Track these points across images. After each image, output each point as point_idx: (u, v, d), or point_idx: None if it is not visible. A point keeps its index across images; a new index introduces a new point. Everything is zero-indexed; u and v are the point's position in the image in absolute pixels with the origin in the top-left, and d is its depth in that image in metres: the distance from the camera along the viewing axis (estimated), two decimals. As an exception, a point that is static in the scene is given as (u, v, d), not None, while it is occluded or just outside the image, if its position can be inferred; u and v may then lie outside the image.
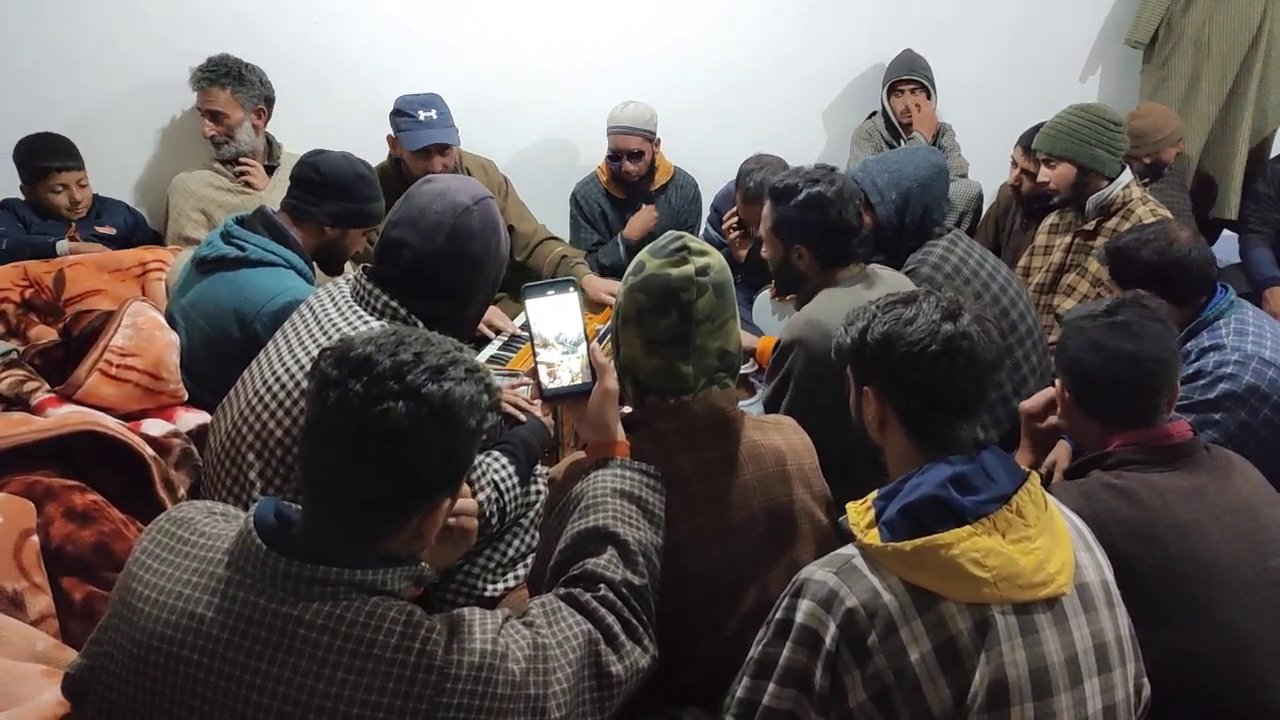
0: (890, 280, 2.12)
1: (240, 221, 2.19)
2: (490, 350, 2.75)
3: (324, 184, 2.19)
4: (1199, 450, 1.51)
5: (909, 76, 3.63)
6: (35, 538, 1.50)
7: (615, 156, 3.35)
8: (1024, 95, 3.86)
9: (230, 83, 3.03)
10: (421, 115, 2.91)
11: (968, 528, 1.16)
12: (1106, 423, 1.54)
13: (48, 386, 1.89)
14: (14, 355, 2.02)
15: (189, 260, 2.23)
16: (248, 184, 3.10)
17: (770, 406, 2.07)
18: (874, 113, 3.81)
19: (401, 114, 2.92)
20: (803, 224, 2.05)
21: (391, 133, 2.98)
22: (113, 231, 3.04)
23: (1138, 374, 1.51)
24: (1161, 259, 2.04)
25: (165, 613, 1.02)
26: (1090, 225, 2.76)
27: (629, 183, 3.41)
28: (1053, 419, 1.69)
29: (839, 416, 1.63)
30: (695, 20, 3.67)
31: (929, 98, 3.64)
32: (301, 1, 3.26)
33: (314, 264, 2.26)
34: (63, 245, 2.84)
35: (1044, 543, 1.19)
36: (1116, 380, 1.52)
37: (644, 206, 3.42)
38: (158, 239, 3.16)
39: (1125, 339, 1.51)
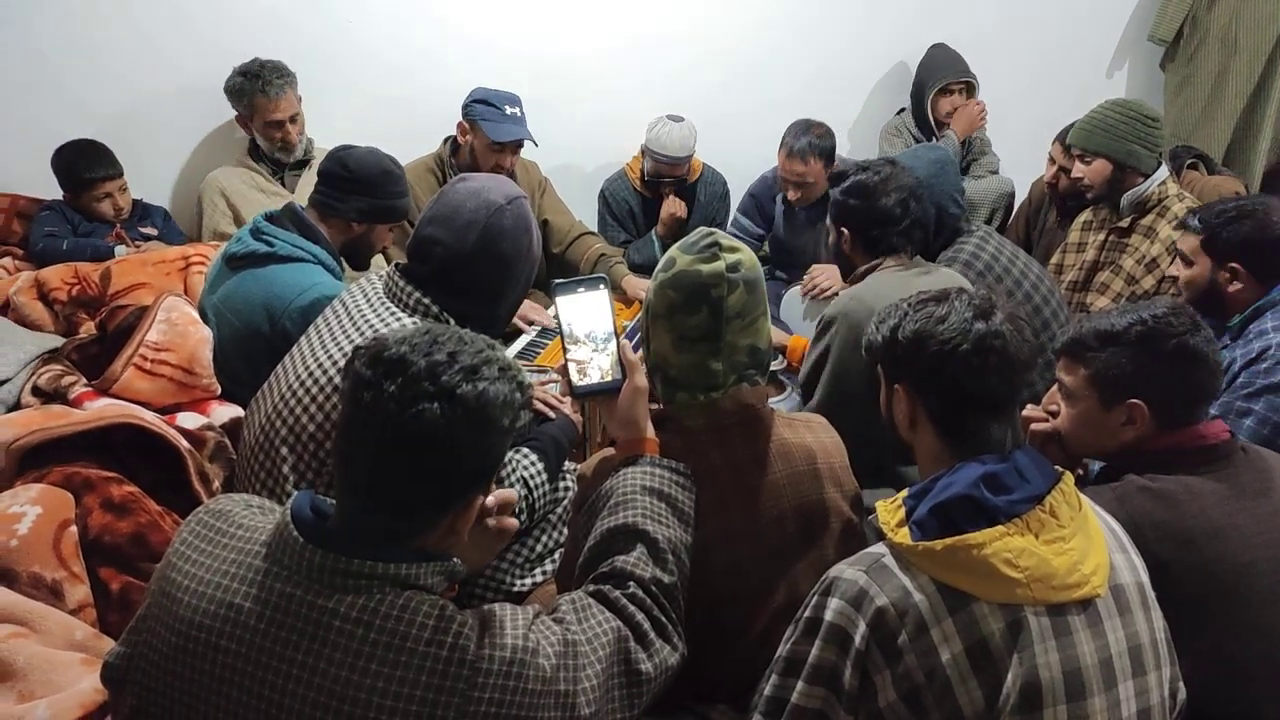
0: (945, 274, 2.12)
1: (269, 218, 2.21)
2: (519, 345, 2.76)
3: (351, 180, 2.19)
4: (1236, 451, 1.49)
5: (965, 78, 3.57)
6: (74, 528, 1.53)
7: (655, 179, 3.34)
8: (1049, 92, 3.83)
9: (292, 82, 3.04)
10: (507, 110, 2.97)
11: (1000, 527, 1.15)
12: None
13: (84, 381, 1.92)
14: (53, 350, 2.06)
15: (219, 257, 2.26)
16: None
17: (808, 380, 2.08)
18: (902, 109, 3.78)
19: (487, 104, 2.96)
20: (846, 208, 2.15)
21: (463, 120, 3.00)
22: (155, 232, 3.08)
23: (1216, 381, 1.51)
24: (1263, 234, 2.03)
25: (204, 603, 1.04)
26: (1125, 222, 2.73)
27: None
28: (1042, 426, 1.62)
29: (874, 392, 1.62)
30: (723, 16, 3.66)
31: (972, 96, 3.61)
32: (333, 1, 3.28)
33: (342, 260, 2.28)
34: (121, 250, 2.88)
35: (1078, 543, 1.18)
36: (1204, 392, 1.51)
37: (669, 196, 3.40)
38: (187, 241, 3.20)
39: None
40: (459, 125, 3.03)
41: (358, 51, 3.35)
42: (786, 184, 3.14)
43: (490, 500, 1.18)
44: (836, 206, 2.19)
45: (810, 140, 3.06)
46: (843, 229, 2.18)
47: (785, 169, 3.11)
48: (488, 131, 2.94)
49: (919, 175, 2.33)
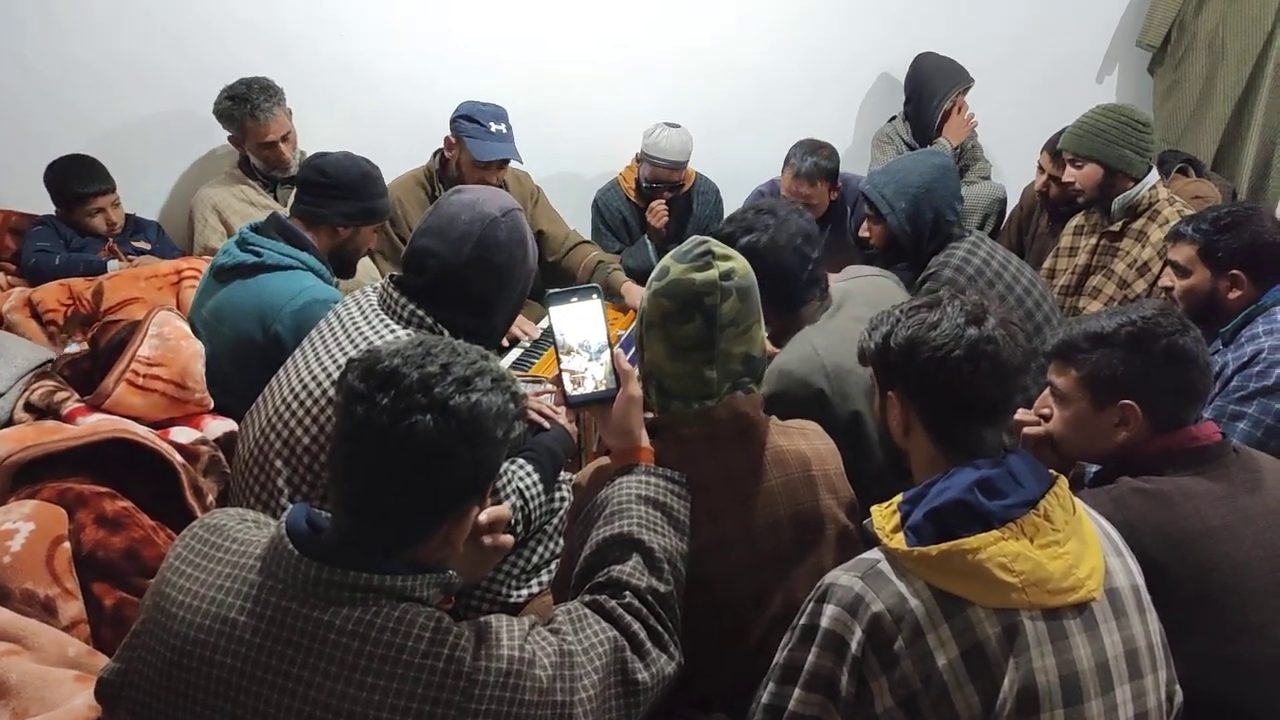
0: (862, 294, 2.03)
1: (255, 229, 2.22)
2: (514, 356, 2.76)
3: (332, 185, 2.21)
4: (1228, 452, 1.49)
5: (969, 82, 3.55)
6: (67, 544, 1.52)
7: (653, 185, 3.35)
8: (1039, 98, 3.84)
9: (280, 100, 3.04)
10: (493, 127, 2.95)
11: (994, 532, 1.15)
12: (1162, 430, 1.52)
13: (77, 396, 1.92)
14: (46, 366, 2.05)
15: (207, 271, 2.27)
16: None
17: None
18: (894, 116, 3.79)
19: (472, 121, 2.94)
20: None
21: (450, 135, 2.99)
22: (148, 246, 3.07)
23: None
24: (1261, 240, 2.04)
25: (199, 617, 1.04)
26: (1116, 227, 2.74)
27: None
28: (1034, 429, 1.61)
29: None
30: (717, 26, 3.67)
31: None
32: (329, 13, 3.28)
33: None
34: (114, 265, 2.88)
35: (1073, 547, 1.18)
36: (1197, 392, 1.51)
37: (652, 204, 3.39)
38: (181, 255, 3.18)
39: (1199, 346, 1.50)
40: (446, 139, 3.03)
41: (352, 64, 3.35)
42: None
43: (483, 518, 1.18)
44: None
45: (816, 161, 3.09)
46: None
47: (791, 190, 3.13)
48: (472, 149, 2.93)
49: (917, 181, 2.33)
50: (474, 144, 2.93)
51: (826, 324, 1.94)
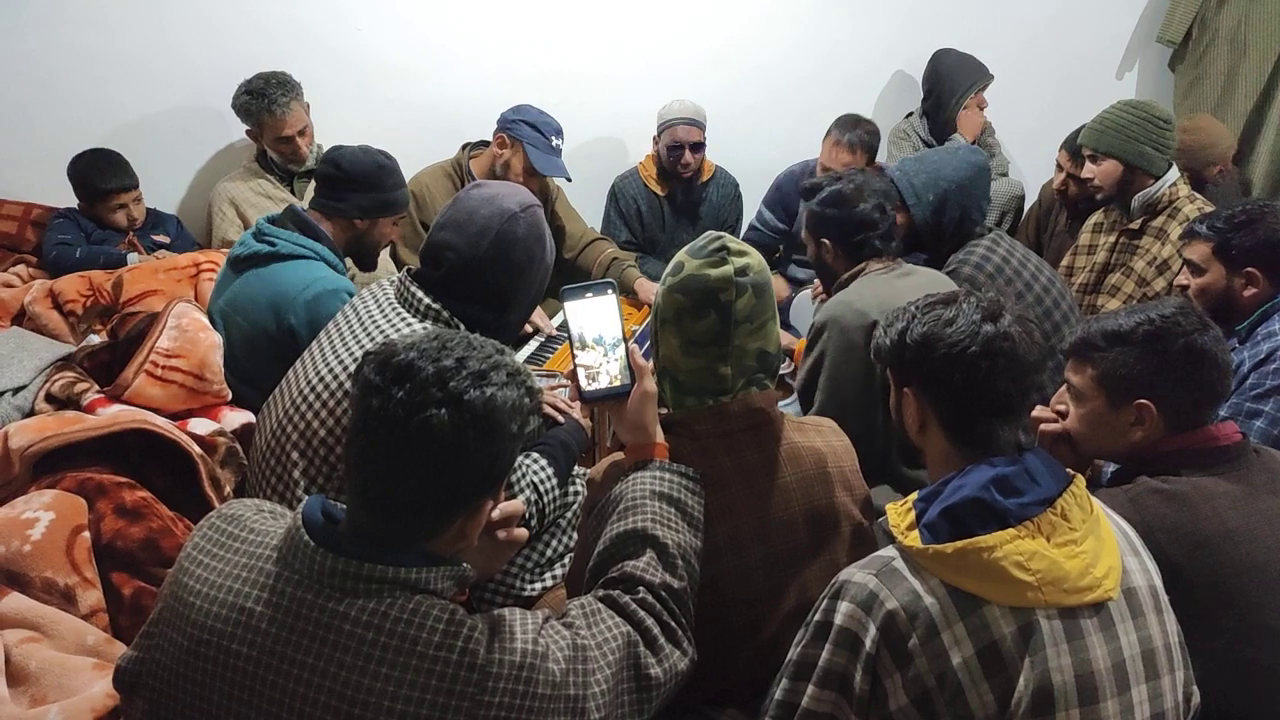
0: (926, 275, 2.13)
1: (271, 220, 2.25)
2: (528, 350, 2.77)
3: (347, 179, 2.24)
4: (1248, 452, 1.48)
5: (989, 79, 3.54)
6: (87, 533, 1.53)
7: (676, 149, 3.36)
8: (1059, 94, 3.82)
9: (298, 94, 3.06)
10: (554, 142, 2.98)
11: (1010, 530, 1.15)
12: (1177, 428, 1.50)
13: (97, 387, 1.93)
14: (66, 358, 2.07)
15: (224, 262, 2.29)
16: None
17: (804, 387, 2.09)
18: (911, 112, 3.77)
19: (536, 130, 2.96)
20: (825, 219, 2.16)
21: (505, 135, 2.99)
22: (167, 240, 3.10)
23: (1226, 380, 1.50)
24: (1275, 238, 2.03)
25: (216, 607, 1.05)
26: (1136, 224, 2.72)
27: (673, 178, 3.42)
28: (1051, 426, 1.61)
29: (870, 395, 1.62)
30: (732, 23, 3.66)
31: None
32: (343, 8, 3.30)
33: (346, 259, 2.32)
34: (134, 258, 2.90)
35: (1090, 546, 1.17)
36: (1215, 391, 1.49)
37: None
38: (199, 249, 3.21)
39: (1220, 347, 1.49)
40: (497, 138, 3.01)
41: (367, 58, 3.36)
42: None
43: (496, 514, 1.18)
44: (814, 218, 2.19)
45: (860, 134, 3.14)
46: (823, 240, 2.19)
47: (832, 159, 3.15)
48: (533, 159, 2.93)
49: (950, 176, 2.33)
50: (536, 154, 2.93)
51: (894, 280, 2.06)
